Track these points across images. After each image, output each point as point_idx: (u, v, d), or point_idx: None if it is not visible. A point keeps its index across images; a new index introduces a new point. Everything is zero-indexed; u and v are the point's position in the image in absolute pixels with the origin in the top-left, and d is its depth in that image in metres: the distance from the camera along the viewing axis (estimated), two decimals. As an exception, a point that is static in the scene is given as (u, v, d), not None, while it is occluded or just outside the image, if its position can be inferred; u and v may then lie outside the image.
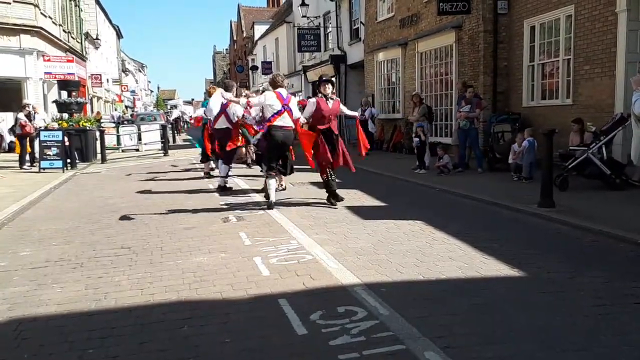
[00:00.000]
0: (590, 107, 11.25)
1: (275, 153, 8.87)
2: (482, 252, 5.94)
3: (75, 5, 31.23)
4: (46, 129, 15.90)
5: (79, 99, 19.43)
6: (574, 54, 11.78)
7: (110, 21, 50.73)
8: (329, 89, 8.98)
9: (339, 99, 9.43)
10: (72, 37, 29.27)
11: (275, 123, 8.62)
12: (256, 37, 45.70)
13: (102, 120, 30.09)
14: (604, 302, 4.39)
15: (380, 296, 4.60)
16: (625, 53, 10.33)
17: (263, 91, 9.81)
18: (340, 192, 9.18)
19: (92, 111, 32.57)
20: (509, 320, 4.08)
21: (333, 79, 9.76)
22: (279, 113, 8.61)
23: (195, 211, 8.89)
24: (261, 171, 10.02)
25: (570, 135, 10.46)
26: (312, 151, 8.84)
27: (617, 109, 10.34)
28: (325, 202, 9.12)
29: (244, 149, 12.66)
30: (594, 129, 9.78)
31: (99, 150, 18.93)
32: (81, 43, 32.21)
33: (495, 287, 4.83)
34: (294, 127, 8.78)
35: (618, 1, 10.39)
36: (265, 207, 8.84)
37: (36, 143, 15.96)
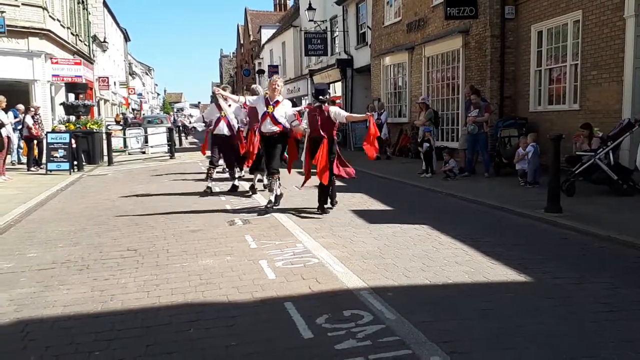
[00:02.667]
0: (598, 113, 11.21)
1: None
2: (489, 257, 5.92)
3: (84, 8, 31.33)
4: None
5: (86, 102, 19.51)
6: (582, 59, 11.75)
7: (118, 24, 50.88)
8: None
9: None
10: (79, 39, 29.37)
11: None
12: (263, 40, 45.75)
13: (120, 123, 30.88)
14: (611, 308, 4.37)
15: (386, 300, 4.59)
16: (633, 58, 10.30)
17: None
18: (346, 195, 9.19)
19: (99, 114, 32.77)
20: (515, 325, 4.06)
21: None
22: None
23: (201, 214, 8.91)
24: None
25: (573, 140, 10.43)
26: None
27: (624, 114, 10.30)
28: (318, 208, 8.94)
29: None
30: (601, 135, 9.75)
31: (105, 152, 19.00)
32: (89, 46, 32.31)
33: (502, 292, 4.82)
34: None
35: (626, 7, 10.37)
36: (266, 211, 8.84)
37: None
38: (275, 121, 8.90)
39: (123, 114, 37.75)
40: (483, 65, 14.75)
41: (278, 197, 9.21)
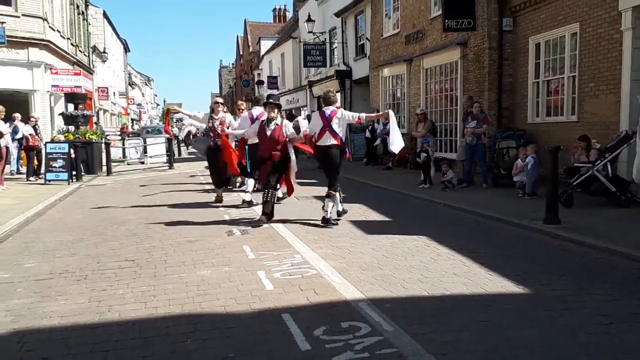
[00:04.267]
0: (595, 124, 11.23)
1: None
2: (487, 268, 5.92)
3: (84, 19, 31.48)
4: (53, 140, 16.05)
5: (85, 112, 19.54)
6: (579, 71, 11.79)
7: (117, 35, 51.09)
8: (273, 112, 8.94)
9: (282, 124, 9.03)
10: (79, 50, 29.46)
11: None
12: (262, 52, 45.96)
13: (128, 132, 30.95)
14: (610, 320, 4.36)
15: (384, 312, 4.58)
16: (630, 71, 10.32)
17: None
18: (344, 206, 9.15)
19: (98, 124, 32.76)
20: (513, 337, 4.05)
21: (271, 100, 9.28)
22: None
23: (199, 224, 8.90)
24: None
25: (571, 152, 10.45)
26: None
27: (622, 126, 10.32)
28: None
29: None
30: (599, 146, 9.77)
31: (104, 162, 19.01)
32: (89, 56, 32.41)
33: (500, 304, 4.81)
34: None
35: (623, 20, 10.42)
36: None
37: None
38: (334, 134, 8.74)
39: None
40: (481, 77, 14.80)
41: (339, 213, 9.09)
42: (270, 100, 9.14)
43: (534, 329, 4.22)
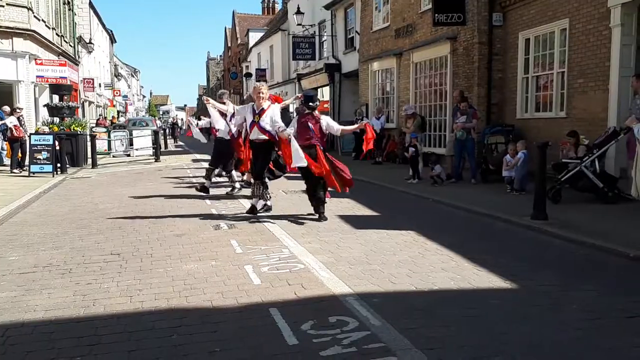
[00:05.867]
0: (584, 120, 11.28)
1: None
2: (475, 263, 5.92)
3: (69, 9, 31.07)
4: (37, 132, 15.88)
5: (70, 103, 19.34)
6: (568, 67, 11.83)
7: (104, 25, 50.51)
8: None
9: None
10: (65, 40, 29.10)
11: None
12: (251, 44, 45.72)
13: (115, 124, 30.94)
14: (596, 316, 4.37)
15: (372, 306, 4.57)
16: (619, 67, 10.37)
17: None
18: (333, 201, 9.14)
19: (84, 115, 32.46)
20: (501, 332, 4.05)
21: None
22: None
23: (186, 218, 8.84)
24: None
25: (560, 147, 10.47)
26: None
27: (610, 122, 10.36)
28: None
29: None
30: (587, 142, 9.80)
31: (89, 155, 18.84)
32: (74, 47, 32.03)
33: (487, 299, 4.81)
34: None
35: (612, 16, 10.45)
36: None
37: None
38: (262, 130, 8.49)
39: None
40: (470, 72, 14.80)
41: (261, 208, 8.96)
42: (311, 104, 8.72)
43: (521, 324, 4.22)
